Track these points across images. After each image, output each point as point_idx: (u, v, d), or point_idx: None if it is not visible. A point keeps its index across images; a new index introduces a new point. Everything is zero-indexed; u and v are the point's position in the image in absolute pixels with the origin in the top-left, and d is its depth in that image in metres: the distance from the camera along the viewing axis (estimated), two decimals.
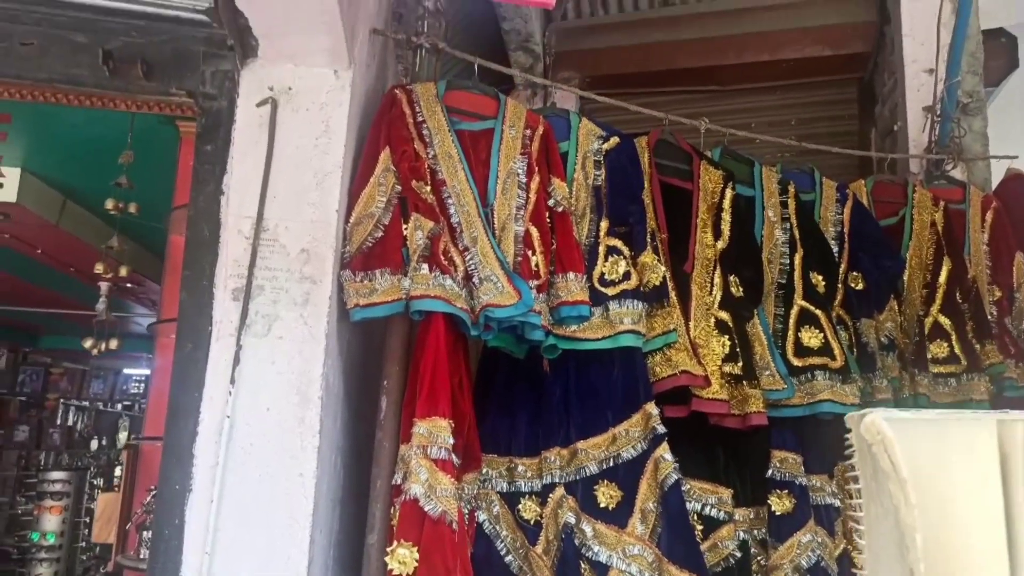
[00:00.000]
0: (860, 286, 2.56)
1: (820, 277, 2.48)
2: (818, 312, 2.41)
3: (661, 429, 2.03)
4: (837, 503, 2.29)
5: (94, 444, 10.37)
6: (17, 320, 7.98)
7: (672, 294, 2.23)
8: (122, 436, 11.03)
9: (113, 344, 4.13)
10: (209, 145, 1.95)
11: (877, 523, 0.70)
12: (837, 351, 2.34)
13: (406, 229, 1.97)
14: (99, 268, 3.09)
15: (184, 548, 1.68)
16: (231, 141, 1.96)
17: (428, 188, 2.05)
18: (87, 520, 6.03)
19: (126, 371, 10.89)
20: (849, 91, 3.76)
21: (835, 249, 2.60)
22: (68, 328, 8.21)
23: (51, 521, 5.61)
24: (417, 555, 1.71)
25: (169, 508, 1.70)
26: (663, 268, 2.21)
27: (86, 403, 10.60)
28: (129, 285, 4.78)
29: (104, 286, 4.43)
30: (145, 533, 2.05)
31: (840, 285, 2.55)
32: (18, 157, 2.86)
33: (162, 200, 2.76)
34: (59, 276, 5.15)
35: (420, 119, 2.14)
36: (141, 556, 2.03)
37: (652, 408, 2.06)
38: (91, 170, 3.38)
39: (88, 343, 4.16)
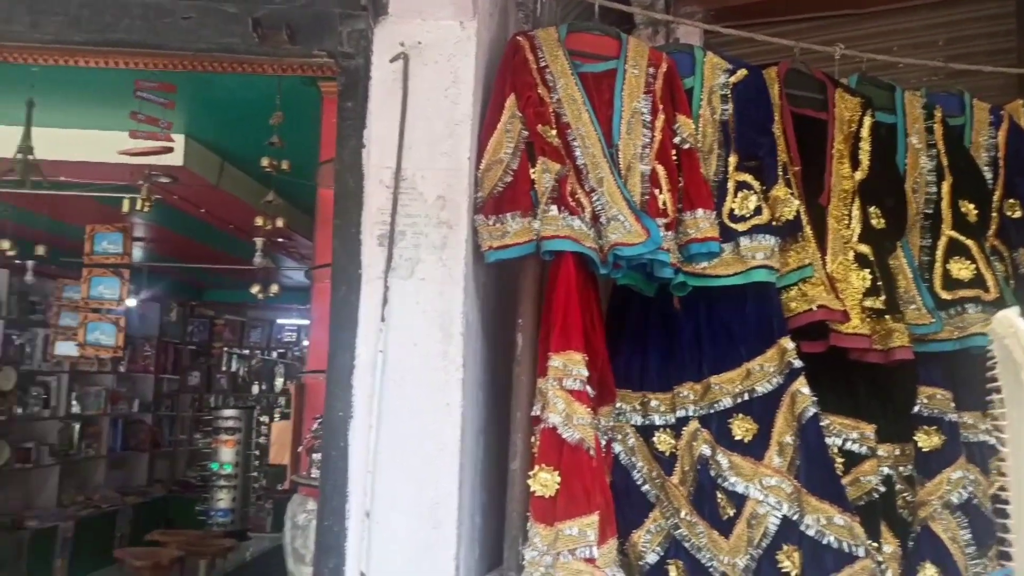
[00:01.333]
0: (1018, 214, 2.40)
1: (971, 206, 2.34)
2: (969, 242, 2.28)
3: (797, 364, 2.03)
4: (992, 440, 2.20)
5: (255, 388, 11.37)
6: (185, 276, 8.78)
7: (807, 228, 2.19)
8: (279, 381, 12.02)
9: (275, 289, 4.57)
10: (350, 102, 2.08)
11: (1020, 426, 0.69)
12: (991, 283, 2.22)
13: (534, 173, 2.03)
14: (258, 221, 3.39)
15: (349, 467, 1.88)
16: (368, 97, 2.08)
17: (553, 132, 2.10)
18: (256, 452, 6.72)
19: (279, 321, 11.77)
20: (1006, 3, 3.41)
21: (989, 176, 2.44)
22: (229, 282, 8.97)
23: (227, 453, 6.30)
24: (558, 478, 1.82)
25: (335, 433, 1.90)
26: (796, 201, 2.17)
27: (246, 351, 11.60)
28: (280, 240, 5.17)
29: (259, 241, 4.83)
30: (314, 455, 2.30)
31: (995, 214, 2.40)
32: (182, 124, 3.15)
33: (308, 157, 2.96)
34: (219, 234, 5.64)
35: (543, 64, 2.17)
36: (312, 475, 2.29)
37: (787, 343, 2.05)
38: (244, 133, 3.67)
39: (255, 289, 4.63)
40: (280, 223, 3.45)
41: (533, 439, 1.95)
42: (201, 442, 8.38)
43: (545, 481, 1.84)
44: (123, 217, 5.07)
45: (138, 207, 3.18)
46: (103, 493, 8.30)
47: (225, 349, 11.23)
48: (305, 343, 11.82)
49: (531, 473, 1.88)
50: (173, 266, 5.47)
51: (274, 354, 11.97)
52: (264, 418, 7.55)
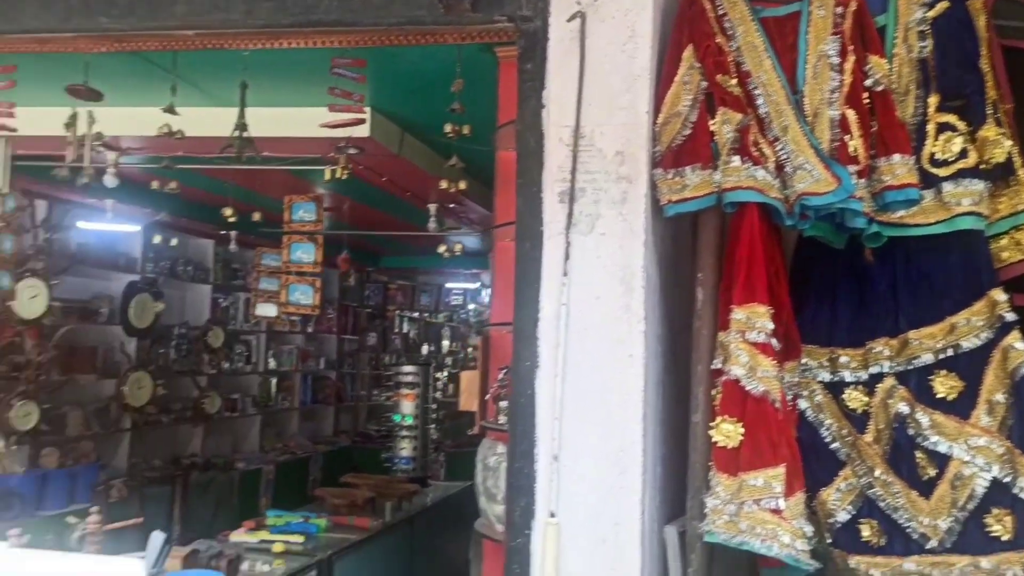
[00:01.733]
0: None
1: None
2: None
3: (1010, 317, 1.89)
4: None
5: (424, 349, 12.03)
6: (364, 243, 9.37)
7: (1020, 171, 2.01)
8: (445, 343, 12.65)
9: (458, 248, 5.02)
10: (529, 64, 2.14)
11: None
12: None
13: (713, 124, 2.00)
14: (443, 184, 3.60)
15: (536, 414, 1.98)
16: (547, 58, 2.13)
17: (734, 81, 2.05)
18: (433, 406, 7.20)
19: (447, 285, 12.33)
20: None
21: None
22: (401, 248, 9.50)
23: (407, 406, 6.79)
24: (741, 430, 1.82)
25: (522, 381, 2.00)
26: (1008, 142, 2.00)
27: (416, 314, 12.27)
28: (453, 205, 5.41)
29: (433, 207, 5.10)
30: (501, 403, 2.44)
31: None
32: (369, 97, 3.37)
33: (483, 123, 3.07)
34: (396, 201, 5.98)
35: (721, 12, 2.12)
36: (500, 421, 2.43)
37: (998, 295, 1.91)
38: (423, 103, 3.86)
39: (441, 248, 5.10)
40: (463, 185, 3.62)
41: (714, 392, 1.95)
42: (380, 397, 9.00)
43: (728, 432, 1.85)
44: (312, 187, 5.53)
45: (337, 175, 3.47)
46: (297, 441, 9.18)
47: (397, 312, 11.93)
48: (471, 306, 12.34)
49: (713, 424, 1.89)
50: (358, 234, 5.87)
51: (440, 317, 12.59)
52: (438, 374, 8.01)
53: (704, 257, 2.08)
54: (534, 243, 2.05)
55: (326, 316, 10.07)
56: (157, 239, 5.56)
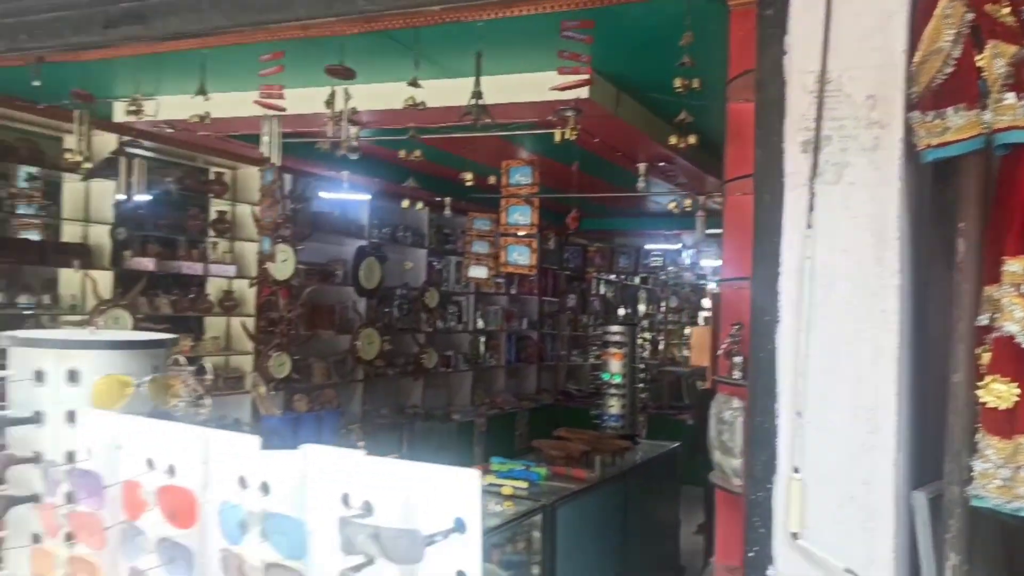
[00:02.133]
0: None
1: None
2: None
3: None
4: None
5: (621, 311, 12.08)
6: (562, 206, 9.55)
7: None
8: (641, 307, 12.60)
9: (687, 204, 5.17)
10: (770, 9, 2.07)
11: None
12: None
13: (981, 59, 1.84)
14: (672, 140, 3.58)
15: (777, 369, 1.95)
16: (788, 1, 2.04)
17: (1006, 10, 1.86)
18: (640, 366, 7.27)
19: (646, 247, 12.24)
20: None
21: None
22: (600, 211, 9.53)
23: (615, 365, 6.91)
24: (1016, 390, 1.69)
25: (762, 336, 1.98)
26: None
27: (613, 276, 12.32)
28: (662, 164, 5.35)
29: (642, 166, 5.07)
30: (734, 359, 2.43)
31: None
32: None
33: (705, 78, 3.02)
34: (604, 163, 6.01)
35: None
36: (733, 376, 2.43)
37: None
38: (641, 61, 3.85)
39: (671, 205, 5.26)
40: (692, 139, 3.58)
41: (979, 350, 1.82)
42: (579, 357, 9.12)
43: (1000, 392, 1.72)
44: (523, 151, 5.71)
45: (567, 136, 3.57)
46: (504, 397, 9.67)
47: (595, 274, 12.05)
48: (671, 268, 12.17)
49: (981, 384, 1.76)
50: (573, 196, 5.96)
51: (636, 279, 12.54)
52: (644, 334, 8.00)
53: (966, 206, 1.93)
54: (774, 195, 2.01)
55: (528, 278, 10.40)
56: (405, 204, 6.25)
